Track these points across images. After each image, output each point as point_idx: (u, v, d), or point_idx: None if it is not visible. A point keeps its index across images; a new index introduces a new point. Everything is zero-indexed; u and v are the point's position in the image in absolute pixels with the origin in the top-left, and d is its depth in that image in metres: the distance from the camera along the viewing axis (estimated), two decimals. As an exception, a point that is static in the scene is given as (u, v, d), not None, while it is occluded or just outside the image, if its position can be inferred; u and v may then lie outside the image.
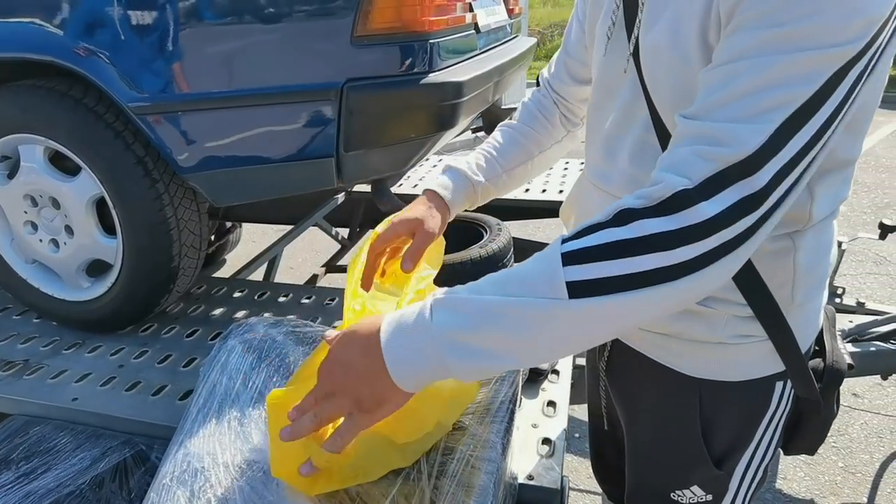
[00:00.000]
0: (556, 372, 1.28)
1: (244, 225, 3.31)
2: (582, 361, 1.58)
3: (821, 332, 0.84)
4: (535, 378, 1.25)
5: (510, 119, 1.01)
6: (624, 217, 0.55)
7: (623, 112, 0.76)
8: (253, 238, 4.30)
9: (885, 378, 1.95)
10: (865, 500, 1.98)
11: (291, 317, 1.52)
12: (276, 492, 0.80)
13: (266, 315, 1.54)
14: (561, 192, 2.33)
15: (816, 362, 0.81)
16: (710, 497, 0.86)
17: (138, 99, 1.20)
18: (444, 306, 0.58)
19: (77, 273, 1.43)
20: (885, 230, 2.07)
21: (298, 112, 1.20)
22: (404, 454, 0.79)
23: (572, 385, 1.29)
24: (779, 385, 0.80)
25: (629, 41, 0.73)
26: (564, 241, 0.57)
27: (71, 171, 1.34)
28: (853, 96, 0.54)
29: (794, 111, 0.52)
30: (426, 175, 2.68)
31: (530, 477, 1.00)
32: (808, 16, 0.51)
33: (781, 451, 0.90)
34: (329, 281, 3.06)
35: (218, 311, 1.59)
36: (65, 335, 1.48)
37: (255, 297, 1.68)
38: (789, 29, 0.52)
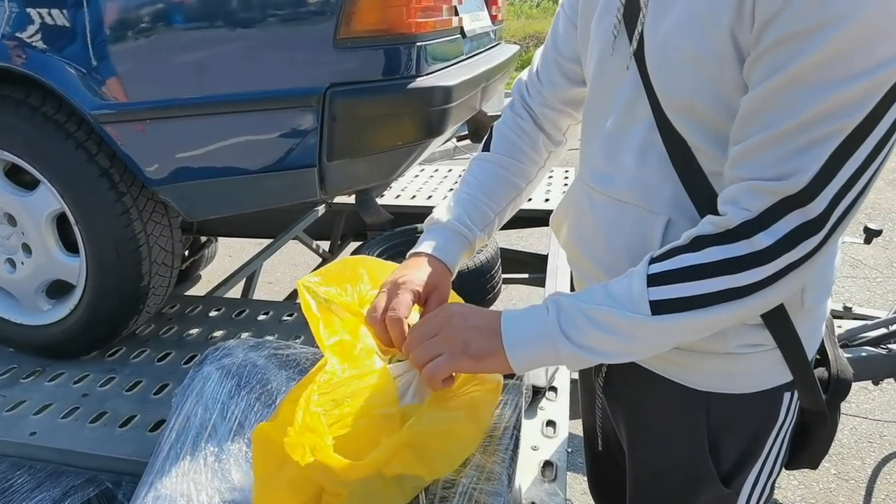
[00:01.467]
0: (553, 389, 1.22)
1: (220, 239, 3.20)
2: (577, 376, 1.53)
3: (822, 341, 0.81)
4: (534, 397, 1.18)
5: (483, 150, 0.92)
6: (698, 243, 0.61)
7: (625, 111, 0.72)
8: (229, 252, 4.17)
9: (876, 383, 1.94)
10: (861, 509, 1.96)
11: (271, 338, 1.44)
12: (261, 538, 0.72)
13: (245, 336, 1.45)
14: (547, 199, 2.29)
15: (820, 371, 0.78)
16: None
17: (102, 106, 1.11)
18: (556, 305, 0.67)
19: (36, 295, 1.33)
20: (869, 234, 2.07)
21: (278, 119, 1.13)
22: (402, 490, 0.71)
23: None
24: (786, 396, 0.76)
25: (631, 38, 0.69)
26: (652, 261, 0.64)
27: (28, 184, 1.24)
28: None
29: (845, 139, 0.54)
30: (408, 185, 2.61)
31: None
32: (857, 38, 0.51)
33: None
34: (308, 296, 2.96)
35: (193, 332, 1.50)
36: (23, 363, 1.37)
37: (233, 316, 1.58)
38: (837, 51, 0.52)
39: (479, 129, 1.83)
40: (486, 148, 0.92)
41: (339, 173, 1.20)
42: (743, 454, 0.78)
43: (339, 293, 0.78)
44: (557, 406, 1.18)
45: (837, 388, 0.76)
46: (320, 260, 2.86)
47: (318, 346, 0.73)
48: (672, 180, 0.68)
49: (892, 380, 1.91)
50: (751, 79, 0.58)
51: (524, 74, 0.94)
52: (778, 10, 0.53)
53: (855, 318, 1.96)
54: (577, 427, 1.11)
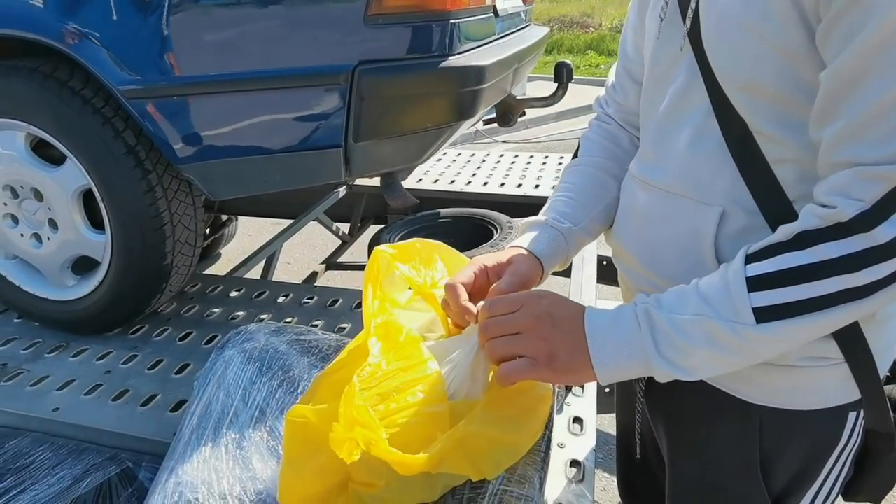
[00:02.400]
0: (581, 385, 1.19)
1: (240, 218, 3.20)
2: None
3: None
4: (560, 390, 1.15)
5: (574, 158, 0.90)
6: (804, 240, 0.55)
7: (678, 97, 0.68)
8: (248, 232, 4.18)
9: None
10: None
11: (291, 320, 1.43)
12: (282, 528, 0.70)
13: (265, 318, 1.44)
14: (537, 186, 2.24)
15: (890, 389, 0.71)
16: None
17: (130, 82, 1.09)
18: (647, 317, 0.61)
19: (61, 270, 1.32)
20: None
21: (304, 97, 1.10)
22: (433, 488, 0.69)
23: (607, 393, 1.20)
24: (851, 416, 0.70)
25: (685, 17, 0.65)
26: (748, 260, 0.57)
27: (55, 159, 1.23)
28: None
29: None
30: (430, 169, 2.57)
31: (559, 504, 0.91)
32: None
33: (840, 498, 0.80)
34: (329, 279, 2.96)
35: (214, 312, 1.49)
36: (47, 337, 1.37)
37: (253, 297, 1.57)
38: None
39: (507, 113, 1.78)
40: (575, 156, 0.90)
41: (365, 155, 1.17)
42: (798, 476, 0.72)
43: (413, 272, 0.75)
44: (585, 402, 1.14)
45: None
46: (339, 242, 2.85)
47: (340, 332, 0.70)
48: (728, 169, 0.63)
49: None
50: (827, 48, 0.53)
51: (602, 93, 0.93)
52: None
53: None
54: (603, 424, 1.08)
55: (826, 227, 0.54)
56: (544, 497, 0.76)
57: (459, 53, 1.10)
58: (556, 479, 0.95)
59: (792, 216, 0.60)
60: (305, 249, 3.93)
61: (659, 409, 0.84)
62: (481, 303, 0.69)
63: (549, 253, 0.78)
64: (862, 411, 0.70)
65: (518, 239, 0.81)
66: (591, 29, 12.92)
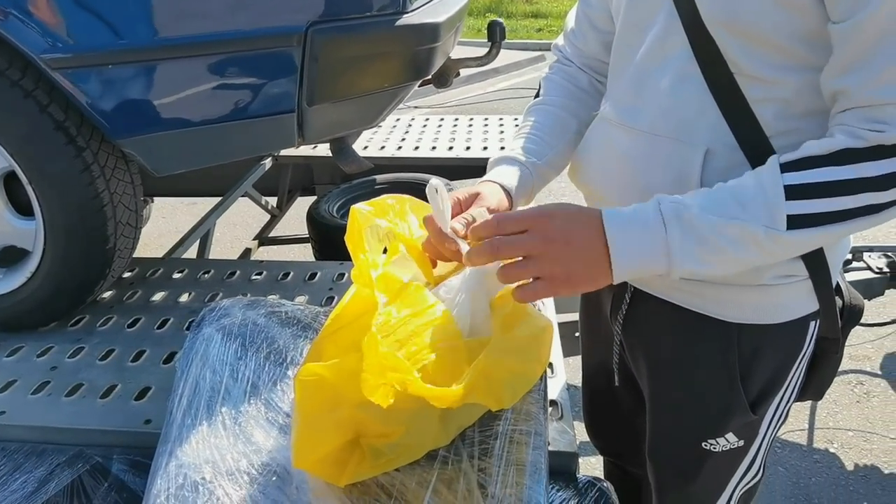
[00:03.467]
0: (546, 332, 1.24)
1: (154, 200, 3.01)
2: (567, 318, 1.56)
3: None
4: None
5: (536, 97, 0.92)
6: (844, 157, 0.58)
7: (658, 42, 0.72)
8: (162, 214, 3.95)
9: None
10: (807, 425, 2.14)
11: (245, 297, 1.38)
12: (297, 497, 0.70)
13: (219, 297, 1.38)
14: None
15: (836, 301, 0.81)
16: (741, 443, 0.85)
17: (54, 49, 0.98)
18: (678, 219, 0.61)
19: (-16, 264, 1.20)
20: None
21: (254, 62, 1.05)
22: (447, 430, 0.71)
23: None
24: (812, 325, 0.79)
25: None
26: (784, 168, 0.60)
27: (-34, 141, 1.10)
28: None
29: None
30: (390, 135, 2.51)
31: (546, 443, 0.96)
32: None
33: None
34: (267, 254, 2.86)
35: (158, 296, 1.41)
36: (-30, 339, 1.25)
37: (197, 277, 1.50)
38: None
39: (443, 73, 1.77)
40: (537, 96, 0.92)
41: (320, 119, 1.13)
42: (770, 382, 0.81)
43: (392, 225, 0.75)
44: (553, 346, 1.20)
45: (851, 316, 0.80)
46: (262, 218, 2.76)
47: (316, 299, 0.69)
48: (711, 109, 0.67)
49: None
50: (839, 3, 0.57)
51: (559, 38, 0.95)
52: None
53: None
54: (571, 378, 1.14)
55: (868, 146, 0.57)
56: (548, 430, 0.80)
57: (412, 11, 1.09)
58: (541, 423, 1.00)
59: (770, 151, 0.65)
60: (226, 228, 3.76)
61: (640, 339, 0.90)
62: (468, 221, 0.68)
63: (518, 186, 0.81)
64: (818, 321, 0.79)
65: (487, 175, 0.83)
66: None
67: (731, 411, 0.82)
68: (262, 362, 0.86)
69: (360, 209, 0.74)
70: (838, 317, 0.79)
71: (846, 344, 0.84)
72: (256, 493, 0.69)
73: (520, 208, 0.68)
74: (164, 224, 3.89)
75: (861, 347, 2.50)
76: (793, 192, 0.59)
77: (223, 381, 0.82)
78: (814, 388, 0.86)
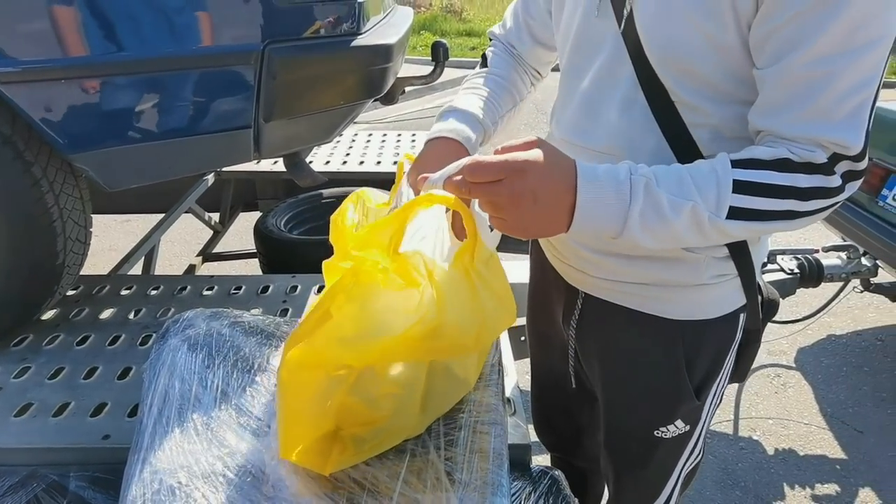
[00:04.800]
0: (496, 335, 1.31)
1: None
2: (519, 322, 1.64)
3: None
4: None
5: (479, 67, 0.98)
6: (785, 166, 0.66)
7: (606, 70, 0.79)
8: (95, 232, 3.79)
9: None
10: (732, 416, 2.30)
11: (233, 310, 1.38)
12: (274, 495, 0.73)
13: (171, 312, 1.37)
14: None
15: (758, 296, 0.92)
16: (688, 427, 0.94)
17: (2, 64, 0.98)
18: (645, 192, 0.66)
19: (-78, 283, 1.15)
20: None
21: (212, 79, 1.07)
22: (425, 417, 0.76)
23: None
24: (741, 317, 0.89)
25: (623, 3, 0.75)
26: (734, 164, 0.66)
27: None
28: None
29: (872, 101, 0.65)
30: (334, 150, 2.53)
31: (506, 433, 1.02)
32: (866, 10, 0.60)
33: None
34: (211, 269, 2.81)
35: (107, 313, 1.38)
36: None
37: (147, 293, 1.48)
38: (850, 24, 0.60)
39: (390, 91, 1.83)
40: (484, 65, 0.97)
41: (276, 134, 1.17)
42: (709, 371, 0.90)
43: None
44: (503, 349, 1.26)
45: (769, 309, 0.91)
46: (211, 234, 2.72)
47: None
48: (653, 133, 0.75)
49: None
50: (765, 52, 0.66)
51: (496, 28, 1.01)
52: None
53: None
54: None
55: (801, 161, 0.66)
56: (508, 423, 0.86)
57: (365, 32, 1.14)
58: (498, 418, 1.06)
59: None
60: (165, 245, 3.64)
61: (593, 342, 0.98)
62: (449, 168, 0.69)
63: (474, 140, 0.86)
64: (745, 314, 0.88)
65: (443, 124, 0.86)
66: (423, 9, 13.14)
67: (680, 400, 0.91)
68: (231, 370, 0.88)
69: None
70: (759, 310, 0.90)
71: (766, 339, 0.95)
72: (233, 494, 0.72)
73: (505, 146, 0.66)
74: (97, 242, 3.73)
75: (777, 343, 2.71)
76: (739, 187, 0.65)
77: (192, 390, 0.84)
78: (738, 372, 0.96)
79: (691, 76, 0.72)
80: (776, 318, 2.39)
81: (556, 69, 0.98)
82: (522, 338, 1.52)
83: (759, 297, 0.91)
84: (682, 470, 0.99)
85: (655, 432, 0.94)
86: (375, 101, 1.92)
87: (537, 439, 1.35)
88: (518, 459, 0.99)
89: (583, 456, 1.27)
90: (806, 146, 0.66)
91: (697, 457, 1.00)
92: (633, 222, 0.66)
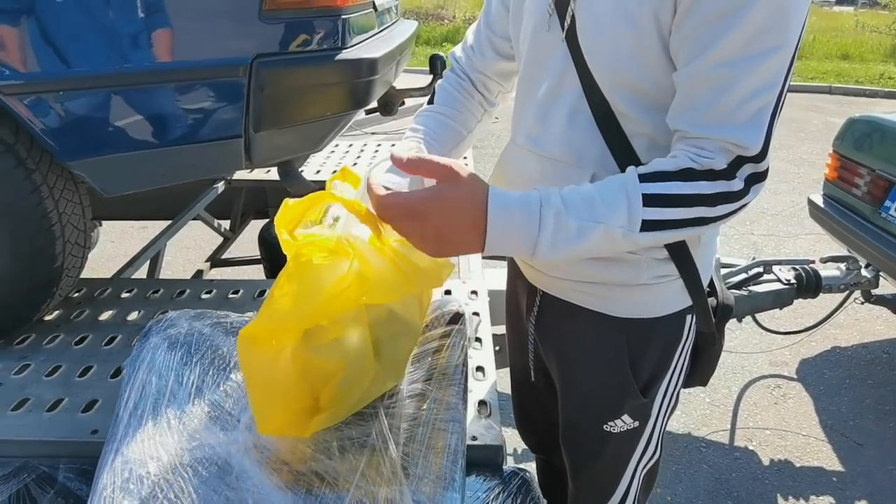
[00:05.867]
0: (478, 340, 1.33)
1: (103, 224, 2.99)
2: (501, 330, 1.67)
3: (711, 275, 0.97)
4: (463, 347, 1.28)
5: (428, 104, 1.01)
6: (688, 175, 0.69)
7: (556, 81, 0.83)
8: (111, 238, 3.90)
9: (739, 321, 2.26)
10: (729, 426, 2.29)
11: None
12: (237, 485, 0.76)
13: (186, 310, 1.42)
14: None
15: (710, 300, 0.94)
16: (636, 423, 0.97)
17: (5, 77, 1.04)
18: (555, 220, 0.68)
19: (-71, 283, 1.22)
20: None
21: (202, 90, 1.12)
22: (394, 369, 0.81)
23: (497, 351, 1.35)
24: (688, 318, 0.92)
25: (563, 17, 0.79)
26: (641, 179, 0.69)
27: (-86, 163, 1.14)
28: (789, 80, 0.70)
29: (774, 104, 0.68)
30: (327, 159, 2.59)
31: (474, 437, 1.04)
32: (767, 17, 0.64)
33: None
34: (219, 275, 2.88)
35: (106, 315, 1.44)
36: (-84, 357, 1.26)
37: (147, 296, 1.54)
38: (752, 30, 0.64)
39: (388, 103, 1.88)
40: (431, 102, 1.01)
41: (266, 144, 1.21)
42: (656, 369, 0.93)
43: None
44: (484, 353, 1.29)
45: (723, 312, 0.93)
46: (216, 241, 2.79)
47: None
48: (598, 141, 0.79)
49: (750, 318, 2.25)
50: (679, 56, 0.70)
51: (457, 48, 1.04)
52: None
53: (722, 266, 2.27)
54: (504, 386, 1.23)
55: (703, 169, 0.69)
56: (468, 419, 0.89)
57: (351, 46, 1.19)
58: (469, 418, 1.09)
59: None
60: (179, 251, 3.74)
61: (549, 337, 1.02)
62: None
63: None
64: (694, 315, 0.91)
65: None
66: (446, 21, 13.30)
67: (624, 395, 0.94)
68: (207, 367, 0.92)
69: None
70: (711, 313, 0.92)
71: (767, 350, 0.98)
72: (198, 484, 0.75)
73: (421, 167, 0.69)
74: (113, 248, 3.84)
75: (779, 354, 2.70)
76: (648, 200, 0.68)
77: (168, 385, 0.88)
78: (699, 375, 0.99)
79: (624, 86, 0.76)
80: (777, 328, 2.39)
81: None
82: (497, 347, 1.55)
83: (715, 301, 0.93)
84: (636, 467, 1.01)
85: (604, 426, 0.96)
86: (373, 112, 1.97)
87: (524, 445, 1.38)
88: (489, 460, 1.02)
89: (559, 456, 1.30)
90: (707, 153, 0.69)
91: (653, 456, 1.02)
92: (542, 246, 0.68)
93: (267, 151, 1.22)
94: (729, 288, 2.06)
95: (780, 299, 2.06)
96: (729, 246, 3.82)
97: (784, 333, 2.46)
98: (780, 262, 2.14)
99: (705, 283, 0.91)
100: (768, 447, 2.16)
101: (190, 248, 3.82)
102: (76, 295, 1.54)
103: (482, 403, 1.12)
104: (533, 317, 1.01)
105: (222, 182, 2.45)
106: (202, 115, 1.15)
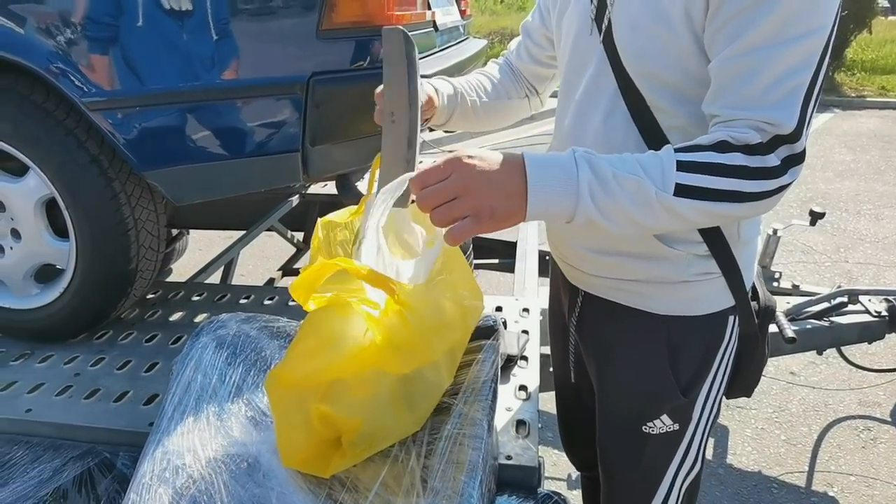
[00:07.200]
0: (525, 358, 1.32)
1: (191, 233, 3.20)
2: (547, 350, 1.64)
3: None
4: (507, 364, 1.27)
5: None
6: (723, 147, 0.70)
7: (592, 82, 0.87)
8: (199, 247, 4.17)
9: (819, 353, 2.10)
10: (807, 468, 2.11)
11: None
12: (263, 483, 0.79)
13: (238, 312, 1.51)
14: None
15: (753, 304, 0.93)
16: (676, 426, 0.95)
17: (93, 94, 1.15)
18: (589, 164, 0.70)
19: (24, 279, 1.36)
20: (814, 217, 2.23)
21: (264, 106, 1.19)
22: (416, 417, 0.80)
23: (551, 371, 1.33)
24: (731, 319, 0.91)
25: (602, 20, 0.84)
26: (677, 150, 0.71)
27: (17, 171, 1.27)
28: (826, 64, 0.71)
29: (808, 87, 0.69)
30: None
31: (509, 457, 1.03)
32: (795, 7, 0.66)
33: (728, 429, 0.99)
34: (287, 284, 3.01)
35: (177, 316, 1.54)
36: (10, 346, 1.40)
37: (215, 300, 1.63)
38: (782, 18, 0.67)
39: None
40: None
41: (321, 158, 1.27)
42: (697, 369, 0.92)
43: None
44: (528, 372, 1.27)
45: (766, 314, 0.92)
46: (293, 251, 2.91)
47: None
48: (634, 136, 0.82)
49: (834, 351, 2.08)
50: (713, 47, 0.73)
51: (506, 51, 1.17)
52: None
53: (802, 295, 2.12)
54: (549, 406, 1.20)
55: (739, 144, 0.70)
56: (492, 439, 0.88)
57: (404, 64, 1.22)
58: (506, 437, 1.07)
59: None
60: (259, 260, 3.95)
61: (590, 336, 1.02)
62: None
63: (449, 96, 1.04)
64: (736, 316, 0.90)
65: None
66: (526, 40, 13.34)
67: (664, 394, 0.93)
68: (249, 368, 0.97)
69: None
70: (754, 314, 0.91)
71: (857, 387, 0.94)
72: (228, 478, 0.79)
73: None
74: (202, 255, 4.10)
75: (871, 393, 2.46)
76: (682, 166, 0.70)
77: (212, 384, 0.93)
78: (741, 384, 0.97)
79: (659, 81, 0.79)
80: (869, 365, 2.19)
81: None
82: (550, 368, 1.52)
83: (757, 304, 0.92)
84: (675, 476, 0.99)
85: (643, 427, 0.96)
86: (436, 129, 2.00)
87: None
88: (525, 482, 1.00)
89: None
90: (743, 129, 0.70)
91: (693, 466, 1.00)
92: (583, 192, 0.69)
93: (322, 165, 1.27)
94: (807, 318, 1.91)
95: (867, 332, 1.89)
96: (819, 274, 3.56)
97: (877, 371, 2.25)
98: (868, 292, 1.96)
99: (749, 283, 0.90)
100: (852, 495, 1.97)
101: (270, 257, 4.01)
102: (152, 296, 1.66)
103: (521, 423, 1.11)
104: (574, 317, 1.03)
105: (297, 196, 2.57)
106: (263, 130, 1.21)
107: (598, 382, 1.02)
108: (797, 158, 0.71)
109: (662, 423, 0.95)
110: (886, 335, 1.93)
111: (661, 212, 0.70)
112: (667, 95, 0.79)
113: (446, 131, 1.98)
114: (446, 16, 1.64)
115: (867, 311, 1.91)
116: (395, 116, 0.90)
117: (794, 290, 2.18)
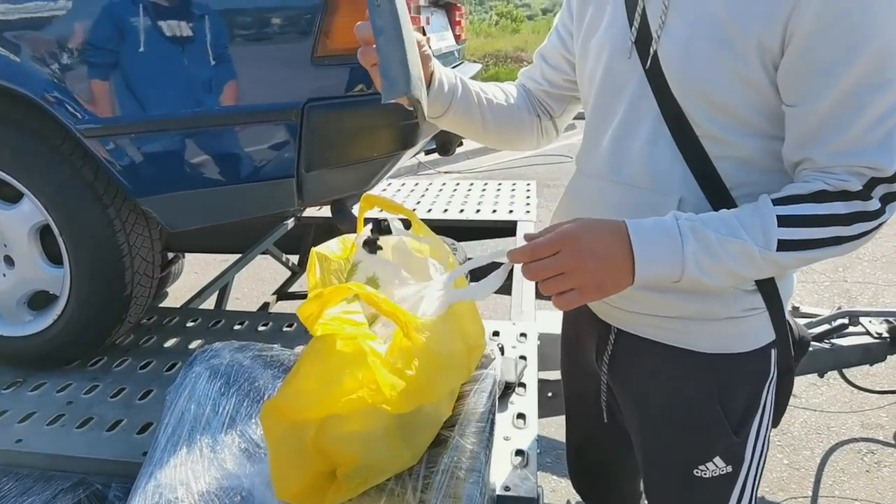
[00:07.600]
0: (522, 385, 1.30)
1: (187, 256, 3.20)
2: (545, 375, 1.62)
3: None
4: (505, 391, 1.25)
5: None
6: (822, 197, 0.71)
7: (632, 108, 0.84)
8: (195, 270, 4.15)
9: (821, 376, 2.08)
10: (810, 493, 2.08)
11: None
12: (256, 516, 0.77)
13: (231, 340, 1.49)
14: (510, 211, 2.38)
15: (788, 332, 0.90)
16: (730, 468, 0.90)
17: (87, 121, 1.15)
18: (693, 233, 0.72)
19: (18, 306, 1.35)
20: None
21: (259, 132, 1.19)
22: (413, 451, 0.79)
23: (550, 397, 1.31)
24: (773, 353, 0.88)
25: (646, 46, 0.80)
26: (775, 203, 0.72)
27: (10, 197, 1.27)
28: None
29: None
30: (394, 195, 2.66)
31: (507, 488, 1.01)
32: (884, 53, 0.66)
33: None
34: (281, 308, 2.99)
35: (171, 342, 1.53)
36: (2, 374, 1.38)
37: (210, 326, 1.62)
38: (875, 60, 0.67)
39: (445, 144, 1.92)
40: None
41: (317, 183, 1.27)
42: (747, 406, 0.88)
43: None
44: (526, 400, 1.25)
45: (800, 347, 0.89)
46: (288, 275, 2.90)
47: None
48: (679, 164, 0.79)
49: (836, 373, 2.06)
50: (796, 89, 0.72)
51: (520, 78, 1.13)
52: (813, 29, 0.67)
53: (802, 317, 2.11)
54: (550, 431, 1.18)
55: (836, 191, 0.71)
56: (490, 471, 0.86)
57: (399, 89, 1.22)
58: (504, 467, 1.05)
59: (730, 201, 0.78)
60: (254, 284, 3.93)
61: (626, 378, 0.97)
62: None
63: (446, 80, 0.95)
64: (777, 349, 0.87)
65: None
66: (525, 63, 13.48)
67: (716, 435, 0.88)
68: (242, 399, 0.95)
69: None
70: (791, 346, 0.88)
71: (859, 409, 0.91)
72: (221, 513, 0.77)
73: (549, 231, 0.74)
74: (197, 279, 4.09)
75: (874, 415, 2.44)
76: (783, 221, 0.71)
77: (205, 414, 0.92)
78: (774, 416, 0.93)
79: (719, 110, 0.76)
80: (871, 386, 2.17)
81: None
82: (550, 394, 1.49)
83: (791, 335, 0.89)
84: None
85: (695, 471, 0.91)
86: (431, 153, 2.01)
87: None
88: (524, 512, 0.98)
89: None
90: (840, 175, 0.71)
91: None
92: (690, 260, 0.71)
93: (318, 190, 1.27)
94: (811, 340, 1.89)
95: (869, 354, 1.88)
96: (818, 294, 3.55)
97: (879, 392, 2.23)
98: (868, 314, 1.96)
99: (787, 314, 0.88)
100: (856, 519, 1.95)
101: (265, 280, 4.00)
102: (147, 322, 1.65)
103: (520, 453, 1.09)
104: (606, 357, 0.98)
105: (292, 219, 2.57)
106: (258, 156, 1.21)
107: (640, 429, 0.97)
108: (894, 196, 0.72)
109: (715, 466, 0.90)
110: (888, 357, 1.92)
111: (765, 265, 0.72)
112: (727, 127, 0.77)
113: (446, 140, 1.99)
114: (441, 41, 1.66)
115: (868, 333, 1.90)
116: (385, 33, 0.79)
117: (795, 312, 2.17)
